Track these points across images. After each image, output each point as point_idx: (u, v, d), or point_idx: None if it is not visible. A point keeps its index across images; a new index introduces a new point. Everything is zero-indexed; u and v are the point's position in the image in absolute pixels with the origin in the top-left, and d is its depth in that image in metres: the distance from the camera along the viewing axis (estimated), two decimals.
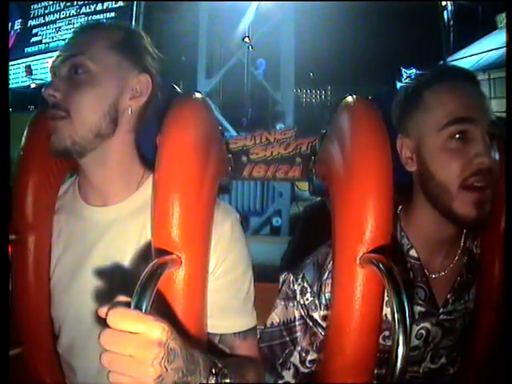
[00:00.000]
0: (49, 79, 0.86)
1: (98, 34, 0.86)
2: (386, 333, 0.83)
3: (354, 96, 0.84)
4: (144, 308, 0.57)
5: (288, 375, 0.90)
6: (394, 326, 0.61)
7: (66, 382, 0.88)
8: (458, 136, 0.79)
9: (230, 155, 0.98)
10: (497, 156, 0.80)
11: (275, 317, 0.92)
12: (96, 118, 0.82)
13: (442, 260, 0.88)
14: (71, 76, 0.82)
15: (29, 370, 0.87)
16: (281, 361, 0.90)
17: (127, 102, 0.85)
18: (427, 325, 0.86)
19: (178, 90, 0.96)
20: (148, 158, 0.87)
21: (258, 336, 0.91)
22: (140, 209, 0.83)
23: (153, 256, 0.73)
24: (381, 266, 0.68)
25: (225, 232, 0.82)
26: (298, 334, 0.89)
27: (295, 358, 0.90)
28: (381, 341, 0.79)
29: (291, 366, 0.90)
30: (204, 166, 0.76)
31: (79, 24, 0.93)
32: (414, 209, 0.87)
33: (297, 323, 0.90)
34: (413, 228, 0.87)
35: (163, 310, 0.73)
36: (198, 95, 0.82)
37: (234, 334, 0.83)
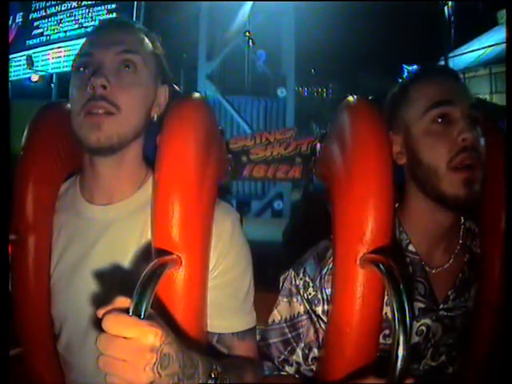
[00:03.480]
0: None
1: (143, 37, 0.87)
2: (386, 331, 0.83)
3: (355, 96, 0.84)
4: (144, 308, 0.57)
5: (290, 371, 0.90)
6: (395, 325, 0.61)
7: (65, 382, 0.88)
8: (439, 120, 0.83)
9: (230, 155, 0.98)
10: (480, 137, 0.83)
11: (277, 314, 0.93)
12: (140, 118, 0.84)
13: (441, 255, 0.88)
14: (120, 70, 0.81)
15: (29, 370, 0.87)
16: (282, 358, 0.91)
17: (155, 109, 0.87)
18: (427, 321, 0.86)
19: (178, 89, 0.97)
20: (149, 158, 0.87)
21: (260, 334, 0.91)
22: (141, 207, 0.83)
23: (153, 256, 0.73)
24: (381, 266, 0.68)
25: (225, 231, 0.82)
26: (302, 329, 0.89)
27: (297, 356, 0.90)
28: (381, 339, 0.79)
29: (293, 364, 0.90)
30: (204, 166, 0.76)
31: (100, 18, 0.93)
32: (408, 202, 0.89)
33: (301, 318, 0.90)
34: (410, 222, 0.89)
35: (163, 310, 0.73)
36: (197, 95, 0.82)
37: (233, 333, 0.83)
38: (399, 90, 0.91)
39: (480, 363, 0.88)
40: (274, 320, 0.93)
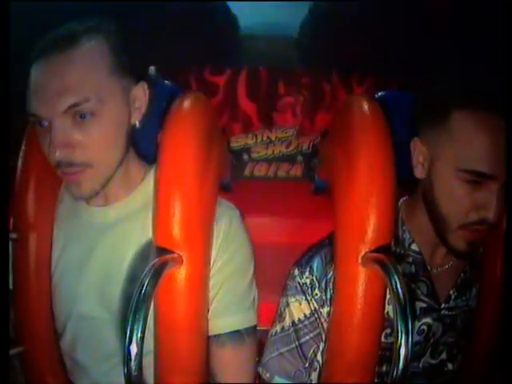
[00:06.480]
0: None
1: (92, 60, 0.74)
2: (388, 330, 0.83)
3: (357, 94, 0.84)
4: (145, 308, 0.57)
5: (314, 376, 0.87)
6: (396, 325, 0.61)
7: (67, 380, 0.88)
8: (471, 183, 0.77)
9: (231, 154, 0.98)
10: (503, 206, 0.77)
11: (287, 318, 0.88)
12: (119, 152, 0.79)
13: (444, 255, 0.87)
14: (77, 122, 0.73)
15: (30, 369, 0.88)
16: (307, 364, 0.87)
17: (135, 117, 0.80)
18: (429, 320, 0.86)
19: (168, 83, 0.92)
20: (148, 156, 0.87)
21: (273, 341, 0.89)
22: (140, 208, 0.83)
23: (154, 254, 0.73)
24: (383, 265, 0.68)
25: (222, 228, 0.81)
26: (321, 327, 0.86)
27: (321, 355, 0.86)
28: (382, 338, 0.79)
29: (317, 366, 0.87)
30: (205, 164, 0.75)
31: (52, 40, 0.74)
32: (415, 206, 0.87)
33: (318, 314, 0.86)
34: (413, 223, 0.87)
35: (164, 308, 0.73)
36: (198, 94, 0.82)
37: (229, 332, 0.81)
38: (441, 102, 0.80)
39: (480, 361, 0.88)
40: (283, 326, 0.88)
